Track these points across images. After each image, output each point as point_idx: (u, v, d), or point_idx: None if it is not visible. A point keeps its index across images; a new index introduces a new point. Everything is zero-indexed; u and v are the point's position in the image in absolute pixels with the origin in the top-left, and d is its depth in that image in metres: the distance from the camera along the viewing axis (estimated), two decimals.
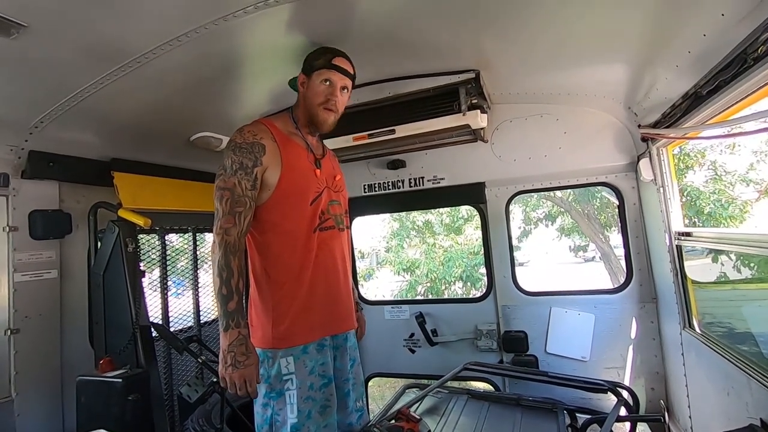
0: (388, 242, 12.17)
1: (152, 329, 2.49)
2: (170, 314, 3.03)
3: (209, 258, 2.96)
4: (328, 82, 1.89)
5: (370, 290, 11.10)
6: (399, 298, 9.96)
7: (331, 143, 2.72)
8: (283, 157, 1.82)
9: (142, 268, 2.54)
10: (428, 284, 10.33)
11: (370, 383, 3.62)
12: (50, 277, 2.36)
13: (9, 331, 2.18)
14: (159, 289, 2.96)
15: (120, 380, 2.15)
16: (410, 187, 3.27)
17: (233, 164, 1.74)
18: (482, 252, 3.31)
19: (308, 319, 1.83)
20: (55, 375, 2.35)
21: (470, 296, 8.88)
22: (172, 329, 2.99)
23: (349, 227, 2.11)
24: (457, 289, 10.23)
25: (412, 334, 3.36)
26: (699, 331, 2.23)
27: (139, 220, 2.42)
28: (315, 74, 1.90)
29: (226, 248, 1.66)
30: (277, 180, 1.80)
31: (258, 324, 1.84)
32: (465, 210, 10.56)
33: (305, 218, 1.86)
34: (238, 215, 1.71)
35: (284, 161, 1.82)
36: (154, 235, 2.96)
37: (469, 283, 9.93)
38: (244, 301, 1.71)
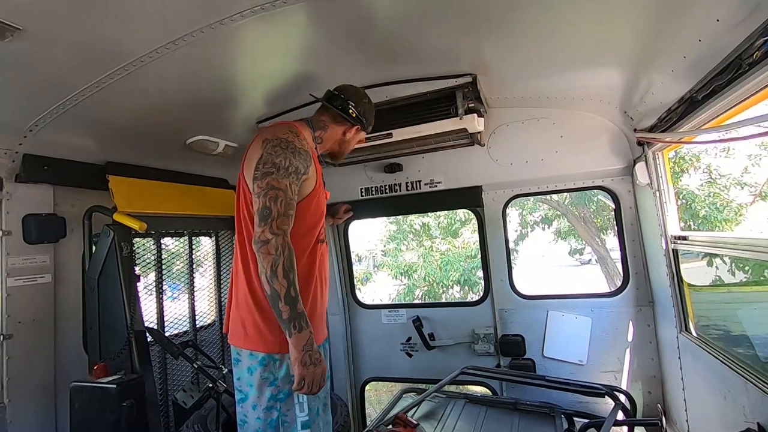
0: (385, 245, 12.16)
1: (147, 334, 2.47)
2: (165, 318, 3.01)
3: (204, 261, 2.96)
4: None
5: (367, 294, 11.07)
6: (396, 302, 9.96)
7: None
8: (317, 171, 1.94)
9: (137, 272, 2.52)
10: (426, 288, 10.31)
11: (367, 387, 3.61)
12: (44, 281, 2.34)
13: (2, 336, 2.15)
14: (154, 293, 2.93)
15: (114, 386, 2.12)
16: (407, 190, 3.27)
17: (289, 166, 1.74)
18: (479, 255, 3.31)
19: (313, 326, 1.86)
20: (48, 381, 2.32)
21: (467, 300, 8.88)
22: (167, 334, 2.97)
23: None
24: (455, 293, 10.23)
25: (410, 338, 3.35)
26: (695, 335, 2.23)
27: (135, 224, 2.40)
28: (364, 132, 2.23)
29: (289, 250, 1.65)
30: (308, 192, 1.87)
31: (257, 328, 1.83)
32: (462, 213, 10.56)
33: (315, 230, 1.94)
34: (290, 218, 1.71)
35: (317, 176, 1.94)
36: (149, 238, 2.94)
37: (466, 287, 9.92)
38: None
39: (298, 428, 1.82)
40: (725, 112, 1.68)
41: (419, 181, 3.25)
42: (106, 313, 2.37)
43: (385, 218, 11.28)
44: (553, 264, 18.15)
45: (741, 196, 8.30)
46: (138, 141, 2.61)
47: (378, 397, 8.22)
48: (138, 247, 2.83)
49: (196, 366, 2.56)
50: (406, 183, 3.28)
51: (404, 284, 10.84)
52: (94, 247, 2.47)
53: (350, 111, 2.07)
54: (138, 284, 2.48)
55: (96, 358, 2.34)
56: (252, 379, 1.84)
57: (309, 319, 1.75)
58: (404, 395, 2.92)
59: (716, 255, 5.14)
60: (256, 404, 1.85)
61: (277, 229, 1.64)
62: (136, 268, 2.57)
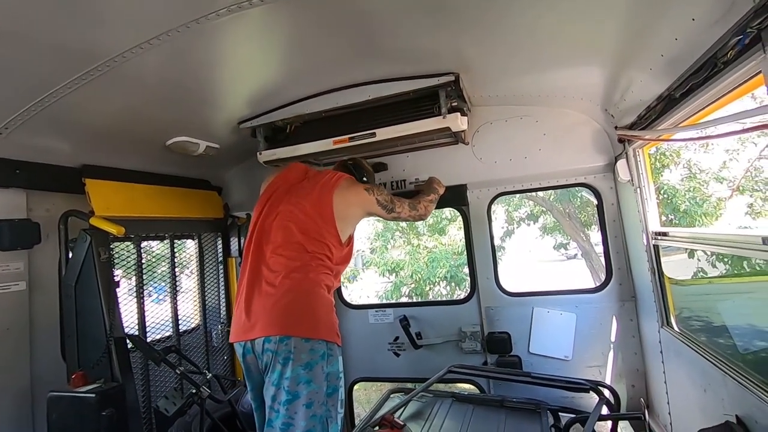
0: (372, 243, 12.13)
1: (127, 341, 2.42)
2: (147, 324, 2.94)
3: (188, 264, 3.03)
4: None
5: (354, 292, 11.05)
6: (383, 301, 9.96)
7: (312, 147, 2.70)
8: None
9: (116, 277, 2.46)
10: (413, 285, 10.32)
11: (355, 387, 3.59)
12: (18, 289, 2.26)
13: None
14: (135, 299, 2.87)
15: (93, 395, 2.07)
16: (392, 189, 3.26)
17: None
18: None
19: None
20: (24, 391, 2.26)
21: (454, 298, 8.93)
22: (149, 339, 2.91)
23: None
24: (442, 290, 10.25)
25: (397, 338, 3.34)
26: (677, 329, 2.27)
27: (113, 229, 2.34)
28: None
29: (426, 214, 2.79)
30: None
31: (326, 319, 2.10)
32: (448, 211, 10.60)
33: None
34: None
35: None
36: (129, 242, 2.88)
37: (453, 283, 9.96)
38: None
39: (338, 423, 2.02)
40: (703, 109, 1.70)
41: (404, 180, 3.24)
42: (84, 320, 2.31)
43: (371, 217, 11.23)
44: (540, 259, 18.38)
45: (720, 190, 8.49)
46: (115, 143, 2.54)
47: (367, 396, 8.22)
48: (118, 251, 2.77)
49: (178, 372, 2.51)
50: (392, 182, 3.27)
51: (391, 282, 10.82)
52: (70, 253, 2.41)
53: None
54: (117, 290, 2.42)
55: (74, 367, 2.28)
56: (311, 375, 1.95)
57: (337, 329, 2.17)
58: (392, 395, 2.91)
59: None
60: (312, 401, 1.93)
61: (416, 216, 2.77)
62: (116, 273, 2.51)
